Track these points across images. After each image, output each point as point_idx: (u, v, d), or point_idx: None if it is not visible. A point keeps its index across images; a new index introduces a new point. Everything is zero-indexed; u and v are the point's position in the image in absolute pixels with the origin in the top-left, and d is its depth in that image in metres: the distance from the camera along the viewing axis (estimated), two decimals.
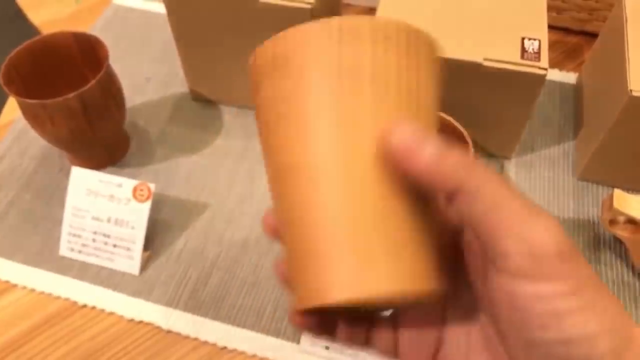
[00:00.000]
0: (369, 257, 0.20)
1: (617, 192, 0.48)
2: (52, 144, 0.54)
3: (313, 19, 0.52)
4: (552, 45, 0.72)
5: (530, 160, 0.61)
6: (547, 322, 0.18)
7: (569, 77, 0.68)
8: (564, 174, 0.59)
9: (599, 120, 0.55)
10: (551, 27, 0.73)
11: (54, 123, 0.51)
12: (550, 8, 0.70)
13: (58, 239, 0.54)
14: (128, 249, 0.52)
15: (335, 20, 0.22)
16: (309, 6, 0.50)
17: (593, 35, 0.71)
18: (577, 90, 0.66)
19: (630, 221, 0.49)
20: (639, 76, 0.49)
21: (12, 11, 0.73)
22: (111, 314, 0.50)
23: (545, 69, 0.50)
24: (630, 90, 0.48)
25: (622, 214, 0.48)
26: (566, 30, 0.73)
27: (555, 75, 0.69)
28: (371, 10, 0.74)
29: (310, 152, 0.21)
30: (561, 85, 0.68)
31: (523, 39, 0.52)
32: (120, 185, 0.52)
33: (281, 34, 0.22)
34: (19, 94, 0.51)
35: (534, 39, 0.52)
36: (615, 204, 0.48)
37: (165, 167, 0.60)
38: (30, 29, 0.72)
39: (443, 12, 0.54)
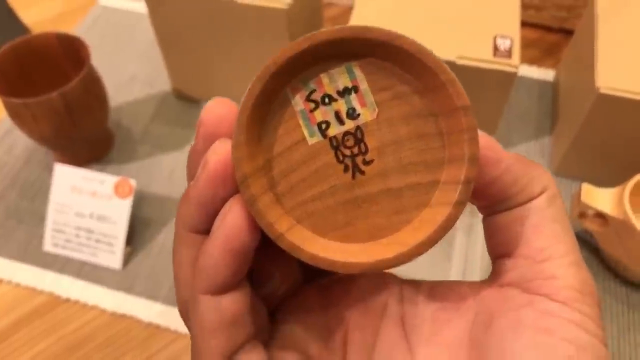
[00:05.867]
0: None
1: (585, 186, 0.49)
2: (36, 142, 0.55)
3: (289, 20, 0.53)
4: (532, 43, 0.73)
5: None
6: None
7: (548, 74, 0.69)
8: None
9: (572, 116, 0.56)
10: (532, 25, 0.74)
11: (37, 121, 0.52)
12: (529, 6, 0.71)
13: (42, 234, 0.55)
14: (110, 244, 0.53)
15: None
16: (285, 7, 0.52)
17: (572, 33, 0.73)
18: (554, 87, 0.68)
19: (599, 215, 0.50)
20: (607, 73, 0.50)
21: (4, 11, 0.74)
22: (93, 307, 0.51)
23: (517, 67, 0.51)
24: (598, 87, 0.49)
25: (590, 207, 0.49)
26: (546, 28, 0.74)
27: (534, 72, 0.70)
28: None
29: None
30: (539, 83, 0.69)
31: (495, 37, 0.53)
32: (102, 182, 0.53)
33: None
34: (3, 93, 0.52)
35: (506, 37, 0.53)
36: (583, 198, 0.49)
37: (148, 164, 0.61)
38: (22, 29, 0.73)
39: (417, 11, 0.55)
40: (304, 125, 0.16)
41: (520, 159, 0.17)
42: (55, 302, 0.52)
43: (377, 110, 0.16)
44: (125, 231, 0.53)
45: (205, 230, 0.17)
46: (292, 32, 0.55)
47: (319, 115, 0.16)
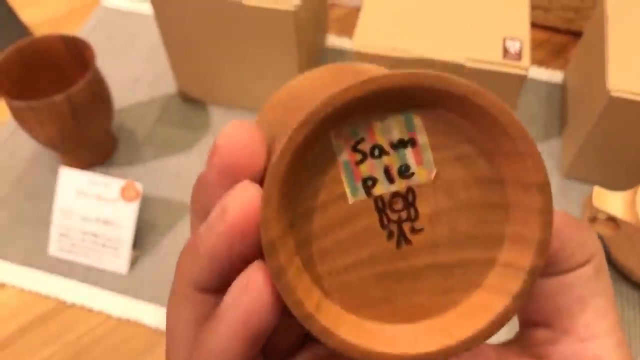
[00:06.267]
0: None
1: (597, 190, 0.49)
2: (41, 144, 0.55)
3: (296, 22, 0.52)
4: (540, 44, 0.72)
5: None
6: None
7: (556, 76, 0.69)
8: (550, 173, 0.60)
9: (582, 119, 0.56)
10: (539, 27, 0.74)
11: (42, 124, 0.52)
12: (537, 7, 0.71)
13: (47, 239, 0.55)
14: (116, 248, 0.53)
15: None
16: (292, 9, 0.51)
17: (579, 35, 0.72)
18: (562, 89, 0.67)
19: (610, 219, 0.50)
20: (618, 76, 0.49)
21: (3, 11, 0.73)
22: (99, 312, 0.51)
23: (527, 69, 0.50)
24: (609, 90, 0.48)
25: (601, 211, 0.49)
26: (554, 30, 0.74)
27: (542, 74, 0.69)
28: (358, 11, 0.74)
29: None
30: (548, 84, 0.68)
31: (505, 39, 0.52)
32: (108, 185, 0.53)
33: None
34: (8, 95, 0.52)
35: (516, 39, 0.52)
36: (594, 202, 0.48)
37: (154, 166, 0.60)
38: (21, 29, 0.72)
39: (426, 13, 0.54)
40: (346, 179, 0.13)
41: (569, 221, 0.15)
42: (61, 307, 0.51)
43: (435, 170, 0.13)
44: (131, 235, 0.52)
45: (214, 288, 0.14)
46: (299, 34, 0.54)
47: (366, 169, 0.13)
